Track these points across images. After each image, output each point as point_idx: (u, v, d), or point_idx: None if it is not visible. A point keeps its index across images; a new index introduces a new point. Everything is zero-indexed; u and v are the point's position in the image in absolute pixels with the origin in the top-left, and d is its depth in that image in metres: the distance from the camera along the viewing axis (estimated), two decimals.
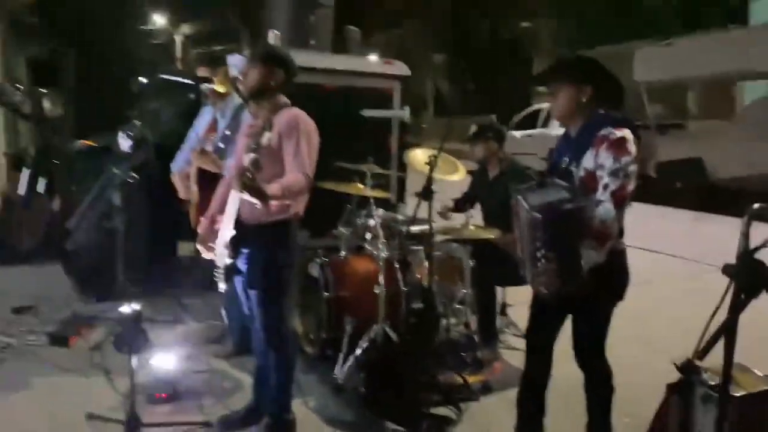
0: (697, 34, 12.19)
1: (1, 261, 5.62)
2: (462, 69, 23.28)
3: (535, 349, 2.80)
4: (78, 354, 3.79)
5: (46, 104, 9.53)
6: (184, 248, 5.83)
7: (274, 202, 2.57)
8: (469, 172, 4.30)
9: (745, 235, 1.17)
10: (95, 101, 5.39)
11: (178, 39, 33.27)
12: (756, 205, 1.23)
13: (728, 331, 1.17)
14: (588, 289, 2.32)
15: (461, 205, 4.27)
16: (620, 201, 2.32)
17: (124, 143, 4.55)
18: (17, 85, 6.56)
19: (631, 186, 2.35)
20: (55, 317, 4.37)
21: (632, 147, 2.37)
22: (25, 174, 5.86)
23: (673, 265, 6.23)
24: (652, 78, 11.32)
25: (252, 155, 2.46)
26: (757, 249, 1.15)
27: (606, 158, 2.36)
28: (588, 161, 2.42)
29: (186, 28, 32.88)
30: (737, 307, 1.14)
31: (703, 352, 1.22)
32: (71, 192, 5.05)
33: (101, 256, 4.63)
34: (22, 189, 6.09)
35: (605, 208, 2.33)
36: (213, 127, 3.75)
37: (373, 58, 5.38)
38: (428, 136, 18.55)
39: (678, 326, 3.70)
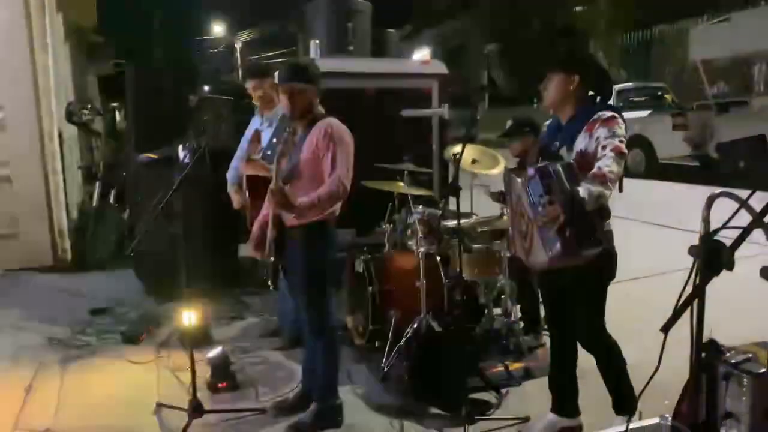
0: (756, 8, 11.69)
1: (79, 268, 6.10)
2: (515, 58, 23.02)
3: (554, 336, 3.01)
4: (147, 350, 4.13)
5: (118, 118, 10.14)
6: (244, 250, 6.19)
7: (309, 211, 2.80)
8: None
9: (706, 220, 1.28)
10: (156, 115, 5.74)
11: (238, 47, 34.26)
12: (715, 191, 1.34)
13: (695, 305, 1.28)
14: (579, 269, 2.53)
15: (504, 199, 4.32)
16: (618, 153, 2.49)
17: (183, 155, 4.91)
18: (87, 105, 7.06)
19: (625, 149, 2.53)
20: (127, 318, 4.76)
21: (622, 124, 2.59)
22: (97, 186, 6.34)
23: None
24: (710, 56, 10.97)
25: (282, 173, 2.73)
26: (716, 231, 1.25)
27: (602, 131, 2.56)
28: (581, 143, 2.62)
29: (245, 35, 33.75)
30: (701, 284, 1.25)
31: (665, 328, 1.32)
32: (138, 202, 5.44)
33: (166, 259, 4.99)
34: (95, 200, 6.59)
35: (604, 158, 2.48)
36: (257, 137, 3.99)
37: (416, 56, 5.49)
38: (483, 127, 18.47)
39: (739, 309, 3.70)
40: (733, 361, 2.23)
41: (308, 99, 2.94)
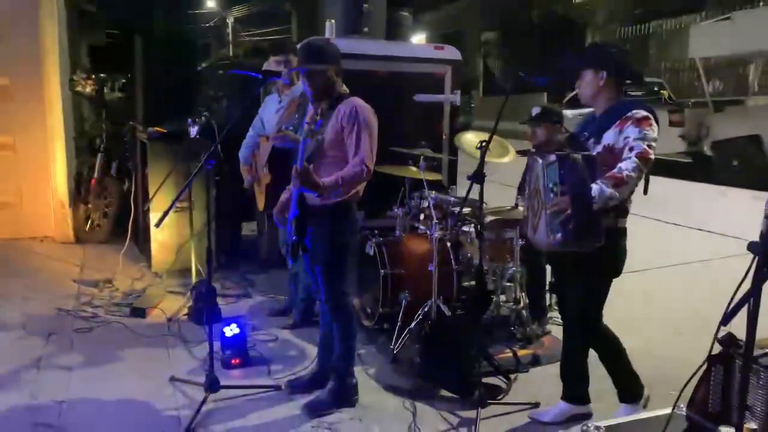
0: (756, 8, 11.78)
1: (81, 239, 6.07)
2: (513, 47, 23.00)
3: (564, 321, 3.13)
4: (156, 324, 4.15)
5: (106, 89, 9.99)
6: (247, 229, 6.20)
7: (333, 192, 2.83)
8: (518, 152, 4.39)
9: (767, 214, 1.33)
10: (161, 88, 5.70)
11: (230, 22, 33.82)
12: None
13: (751, 301, 1.33)
14: (580, 257, 2.66)
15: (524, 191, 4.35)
16: (643, 160, 2.58)
17: (192, 130, 4.89)
18: (91, 76, 6.98)
19: (652, 154, 2.61)
20: (133, 291, 4.77)
21: (655, 126, 2.66)
22: (99, 158, 6.29)
23: (732, 246, 6.19)
24: (709, 54, 11.06)
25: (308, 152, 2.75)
26: None
27: (632, 131, 2.64)
28: (609, 137, 2.70)
29: (237, 11, 33.28)
30: (760, 279, 1.30)
31: (726, 320, 1.38)
32: (144, 176, 5.41)
33: (172, 234, 5.00)
34: (96, 172, 6.53)
35: (628, 161, 2.58)
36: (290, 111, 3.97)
37: (421, 39, 5.48)
38: (478, 115, 18.49)
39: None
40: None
41: (328, 79, 2.94)
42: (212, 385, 3.05)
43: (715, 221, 7.07)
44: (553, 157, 2.63)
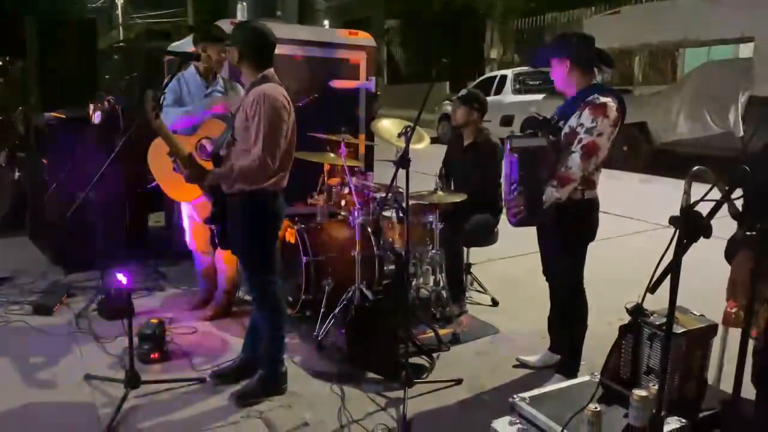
0: (644, 4, 12.61)
1: None
2: (416, 36, 23.34)
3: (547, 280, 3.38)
4: (62, 322, 3.91)
5: None
6: (152, 220, 5.95)
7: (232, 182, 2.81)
8: (433, 140, 4.51)
9: (687, 192, 1.45)
10: (57, 71, 5.33)
11: (120, 3, 32.06)
12: (696, 168, 1.52)
13: (673, 271, 1.45)
14: (556, 226, 2.97)
15: (447, 177, 4.46)
16: (587, 152, 2.83)
17: (96, 116, 4.62)
18: None
19: (602, 143, 2.84)
20: (34, 288, 4.47)
21: (612, 113, 2.85)
22: None
23: (627, 225, 6.62)
24: (601, 45, 11.67)
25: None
26: (696, 203, 1.42)
27: (586, 119, 2.86)
28: (572, 121, 2.92)
29: None
30: (680, 251, 1.42)
31: (652, 289, 1.49)
32: (40, 165, 5.05)
33: (77, 228, 4.70)
34: None
35: (572, 157, 2.85)
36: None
37: (324, 25, 5.46)
38: (382, 103, 18.65)
39: (624, 281, 4.06)
40: (656, 323, 2.51)
41: (241, 62, 2.89)
42: (132, 381, 2.93)
43: (613, 203, 7.55)
44: (514, 149, 2.88)
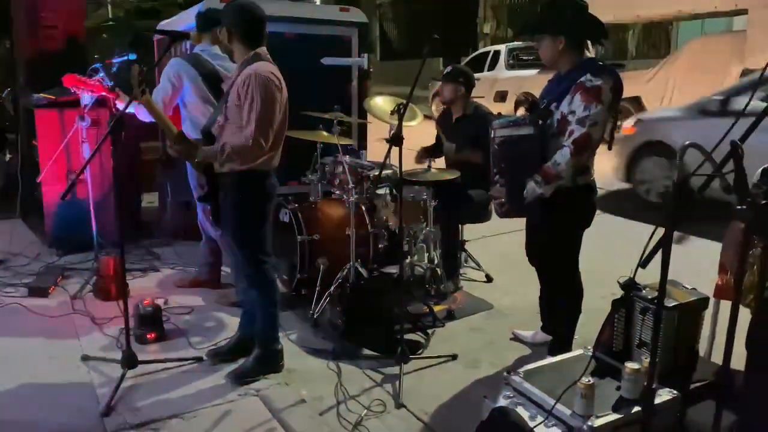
0: None
1: None
2: (408, 12, 23.10)
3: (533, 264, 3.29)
4: (58, 304, 3.92)
5: None
6: (146, 200, 5.94)
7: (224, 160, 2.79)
8: (426, 117, 4.50)
9: (679, 167, 1.46)
10: (47, 51, 5.26)
11: None
12: (687, 141, 1.53)
13: (665, 245, 1.47)
14: (545, 217, 2.88)
15: (436, 150, 4.45)
16: (579, 148, 2.66)
17: (86, 96, 4.56)
18: None
19: (596, 134, 2.68)
20: (28, 270, 4.46)
21: (606, 96, 2.66)
22: None
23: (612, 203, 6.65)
24: None
25: None
26: (688, 176, 1.43)
27: (578, 105, 2.67)
28: (564, 106, 2.74)
29: None
30: (671, 225, 1.43)
31: (645, 261, 1.51)
32: (32, 146, 5.01)
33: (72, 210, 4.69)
34: None
35: (562, 152, 2.68)
36: None
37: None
38: (375, 79, 18.50)
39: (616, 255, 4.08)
40: (648, 297, 2.54)
41: (232, 42, 2.88)
42: (130, 361, 2.94)
43: (607, 180, 7.58)
44: (500, 135, 2.81)
